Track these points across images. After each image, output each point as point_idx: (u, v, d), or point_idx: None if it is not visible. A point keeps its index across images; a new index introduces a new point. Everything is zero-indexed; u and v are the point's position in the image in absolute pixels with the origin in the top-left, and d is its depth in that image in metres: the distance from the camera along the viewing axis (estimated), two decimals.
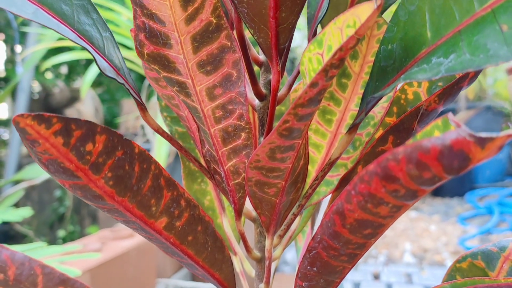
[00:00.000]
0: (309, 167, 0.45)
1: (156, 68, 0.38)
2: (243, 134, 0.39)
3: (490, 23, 0.27)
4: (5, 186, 2.17)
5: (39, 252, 0.87)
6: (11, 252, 0.49)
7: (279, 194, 0.38)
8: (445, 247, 2.73)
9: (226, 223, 0.48)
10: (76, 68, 3.07)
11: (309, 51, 0.34)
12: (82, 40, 0.33)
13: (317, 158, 0.44)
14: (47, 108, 2.72)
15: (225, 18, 0.36)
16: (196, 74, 0.37)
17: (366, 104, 0.33)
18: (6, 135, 2.98)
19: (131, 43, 1.67)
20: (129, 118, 2.60)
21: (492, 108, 4.33)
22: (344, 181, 0.41)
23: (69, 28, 0.33)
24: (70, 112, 2.73)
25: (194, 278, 1.83)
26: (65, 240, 2.30)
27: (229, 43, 0.37)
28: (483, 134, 0.22)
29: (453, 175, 0.24)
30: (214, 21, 0.36)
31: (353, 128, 0.36)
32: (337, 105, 0.42)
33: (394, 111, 0.43)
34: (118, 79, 0.34)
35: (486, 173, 4.20)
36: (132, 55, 1.60)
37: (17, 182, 2.14)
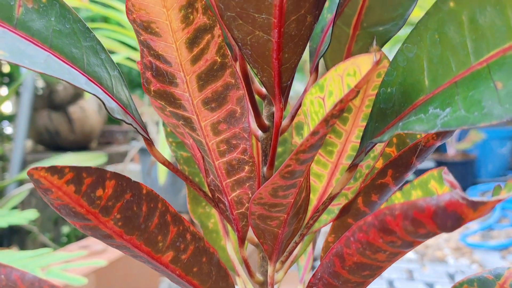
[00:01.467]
0: (311, 196, 0.46)
1: (163, 103, 0.39)
2: (246, 167, 0.40)
3: (485, 79, 0.28)
4: (9, 185, 2.19)
5: (45, 259, 0.89)
6: (21, 273, 0.51)
7: (281, 226, 0.39)
8: (446, 243, 2.74)
9: (229, 246, 0.50)
10: None
11: (311, 94, 0.35)
12: (92, 83, 0.35)
13: (318, 187, 0.45)
14: (51, 104, 2.73)
15: (229, 56, 0.37)
16: (201, 111, 0.38)
17: (366, 146, 0.34)
18: (10, 129, 3.00)
19: (135, 43, 1.68)
20: None
21: None
22: (345, 211, 0.42)
23: (79, 72, 0.34)
24: (74, 109, 2.74)
25: None
26: (69, 237, 2.32)
27: (233, 81, 0.38)
28: (475, 198, 0.24)
29: (447, 232, 0.26)
30: (219, 60, 0.37)
31: (353, 167, 0.37)
32: (338, 137, 0.43)
33: (394, 141, 0.44)
34: (126, 120, 0.36)
35: (488, 168, 4.21)
36: (137, 55, 1.61)
37: (21, 181, 2.15)
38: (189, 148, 0.47)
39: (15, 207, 1.84)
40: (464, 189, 4.00)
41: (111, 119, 3.28)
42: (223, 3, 0.33)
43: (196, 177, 0.53)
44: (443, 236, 2.86)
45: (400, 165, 0.39)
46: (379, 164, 0.44)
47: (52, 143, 2.81)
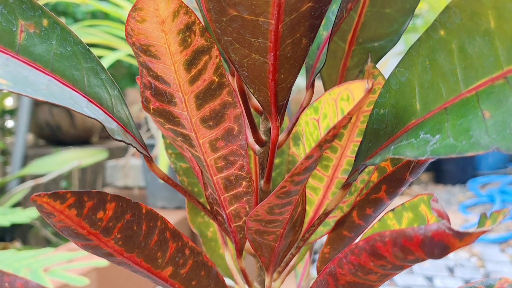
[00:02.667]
0: (307, 208, 0.47)
1: (162, 121, 0.40)
2: (243, 183, 0.41)
3: (474, 108, 0.29)
4: (11, 180, 2.21)
5: (48, 258, 0.90)
6: (25, 281, 0.52)
7: (278, 240, 0.40)
8: None
9: (228, 255, 0.51)
10: None
11: (306, 115, 0.36)
12: (93, 104, 0.35)
13: (314, 200, 0.46)
14: None
15: (227, 76, 0.38)
16: (199, 129, 0.39)
17: (359, 167, 0.35)
18: (11, 123, 3.01)
19: None
20: (133, 110, 2.61)
21: None
22: (340, 223, 0.43)
23: (80, 94, 0.35)
24: None
25: None
26: None
27: (230, 99, 0.39)
28: (461, 229, 0.24)
29: (435, 259, 0.27)
30: (216, 79, 0.38)
31: (346, 186, 0.38)
32: (334, 152, 0.44)
33: None
34: (125, 140, 0.37)
35: (488, 160, 4.22)
36: None
37: (23, 177, 2.17)
38: (188, 160, 0.48)
39: (17, 204, 1.86)
40: (464, 181, 4.01)
41: None
42: (220, 28, 0.34)
43: (196, 187, 0.54)
44: None
45: (394, 181, 0.40)
46: (374, 177, 0.45)
47: (53, 137, 2.82)
